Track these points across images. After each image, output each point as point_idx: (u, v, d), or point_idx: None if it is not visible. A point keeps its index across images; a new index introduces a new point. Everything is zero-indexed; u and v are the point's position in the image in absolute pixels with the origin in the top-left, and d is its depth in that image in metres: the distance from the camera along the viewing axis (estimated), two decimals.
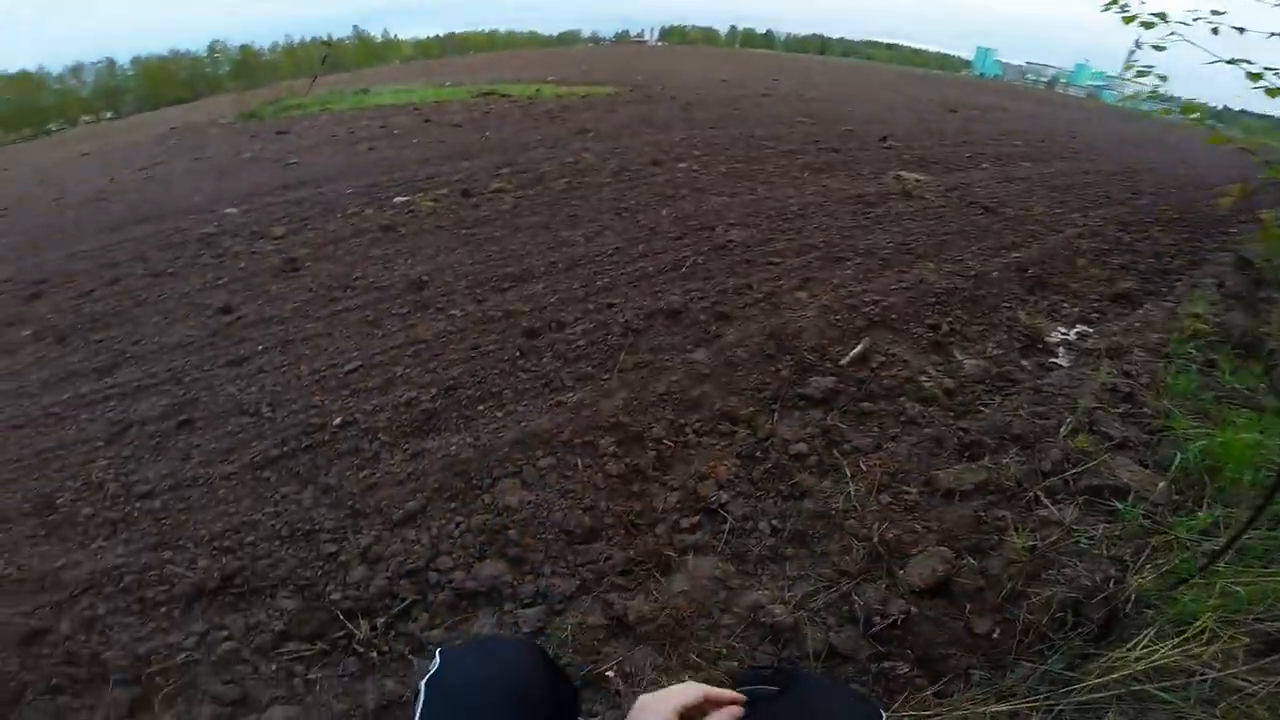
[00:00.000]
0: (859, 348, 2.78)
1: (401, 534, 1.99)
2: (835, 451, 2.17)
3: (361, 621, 1.74)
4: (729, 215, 4.36)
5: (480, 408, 2.53)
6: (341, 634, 1.73)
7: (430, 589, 1.82)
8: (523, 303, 3.24)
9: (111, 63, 62.78)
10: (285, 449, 2.43)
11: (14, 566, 2.10)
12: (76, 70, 60.87)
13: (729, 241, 3.88)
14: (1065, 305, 3.43)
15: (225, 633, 1.77)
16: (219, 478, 2.35)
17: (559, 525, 1.95)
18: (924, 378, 2.58)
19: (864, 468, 2.07)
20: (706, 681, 1.55)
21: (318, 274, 3.95)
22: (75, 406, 3.00)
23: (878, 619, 1.53)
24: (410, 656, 1.66)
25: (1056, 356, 2.91)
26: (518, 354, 2.84)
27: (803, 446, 2.19)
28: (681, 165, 5.70)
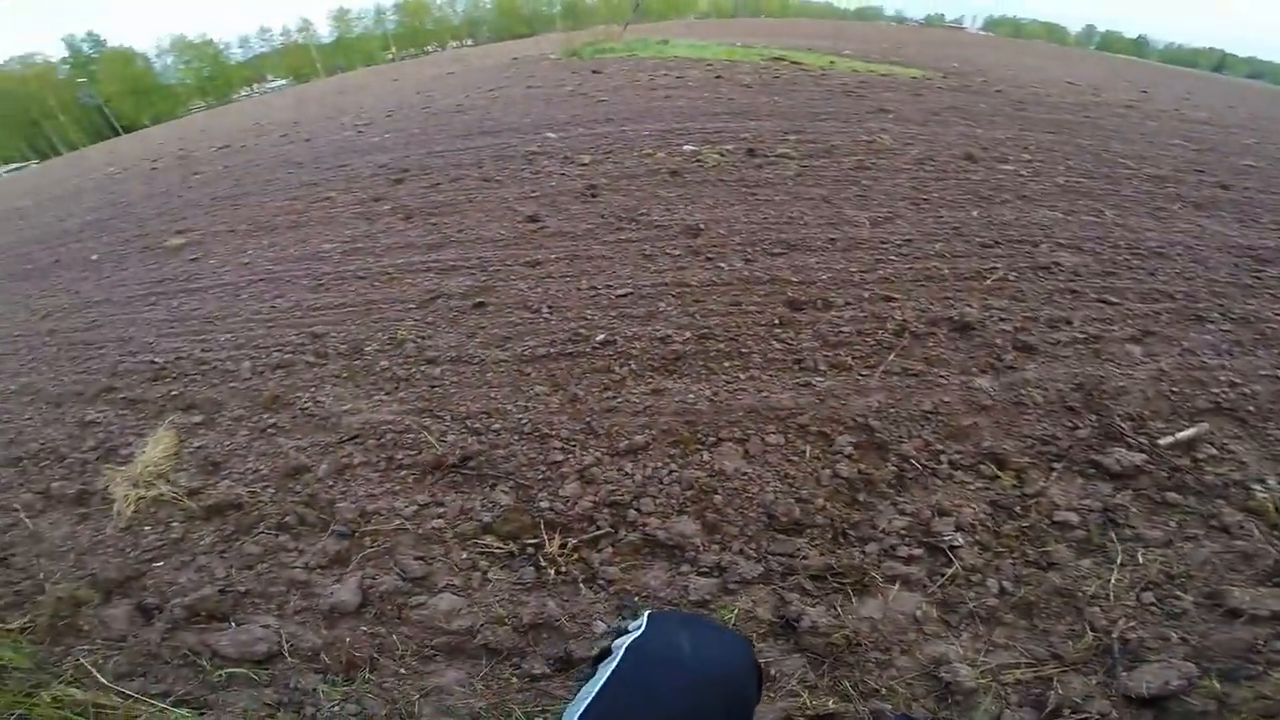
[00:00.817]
0: (1190, 431, 2.18)
1: (620, 464, 2.06)
2: (1112, 534, 1.81)
3: (555, 536, 1.83)
4: (1059, 234, 3.63)
5: (726, 364, 2.51)
6: (533, 542, 1.83)
7: (625, 525, 1.86)
8: (792, 272, 3.11)
9: None
10: (551, 350, 2.68)
11: (313, 402, 2.60)
12: (452, 0, 74.95)
13: (1054, 264, 3.24)
14: None
15: (441, 510, 1.97)
16: (491, 361, 2.68)
17: (766, 507, 1.87)
18: (1259, 487, 2.00)
19: (1140, 560, 1.76)
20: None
21: (611, 203, 4.26)
22: (404, 271, 3.69)
23: (1067, 711, 1.40)
24: (581, 584, 1.70)
25: None
26: (775, 322, 2.74)
27: (1073, 516, 1.87)
28: (1005, 166, 4.90)
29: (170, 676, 1.61)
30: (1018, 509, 1.87)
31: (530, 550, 1.82)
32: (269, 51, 67.50)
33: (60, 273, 5.62)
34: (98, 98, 55.75)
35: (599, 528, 1.85)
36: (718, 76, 9.08)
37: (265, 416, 2.61)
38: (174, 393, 2.95)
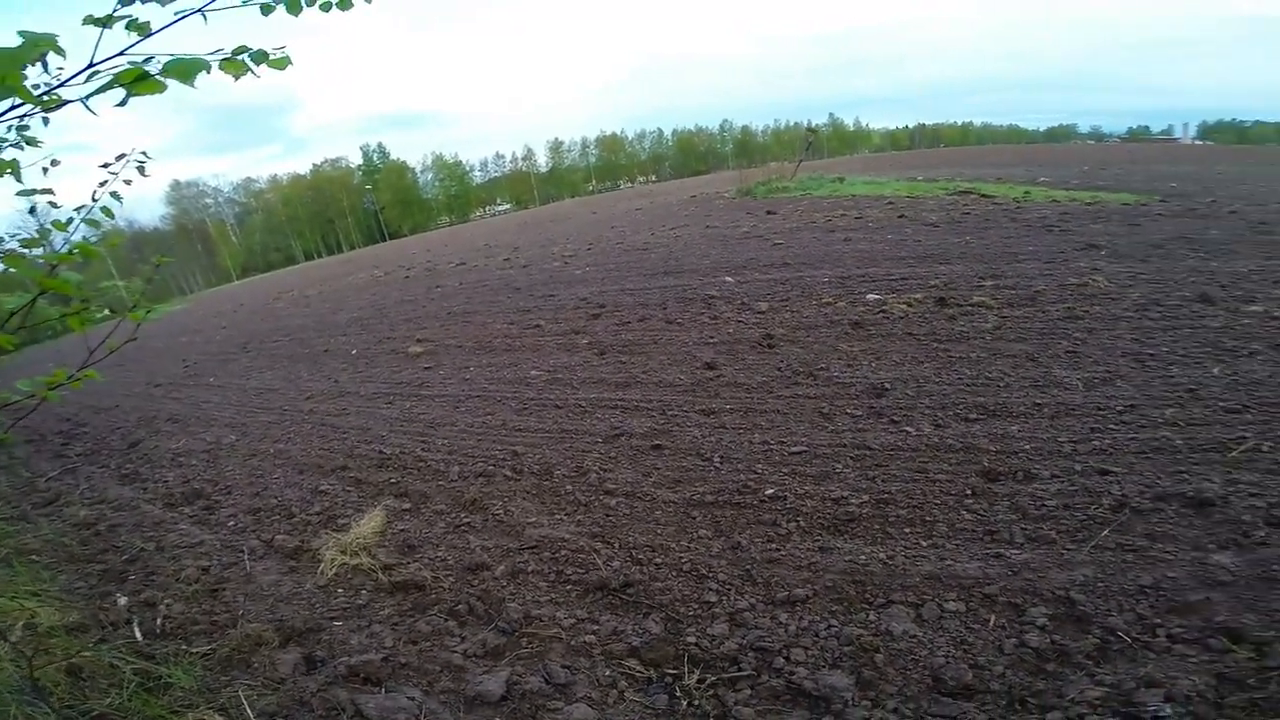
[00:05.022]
0: None
1: (774, 613, 2.06)
2: None
3: (695, 671, 1.88)
4: None
5: (906, 530, 2.41)
6: (673, 673, 1.89)
7: (769, 671, 1.85)
8: (989, 440, 2.91)
9: (660, 133, 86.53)
10: (718, 499, 2.78)
11: (504, 510, 2.95)
12: (640, 137, 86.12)
13: None
14: None
15: (595, 627, 2.12)
16: (661, 500, 2.86)
17: (934, 670, 1.76)
18: None
19: None
20: None
21: (787, 355, 4.39)
22: (595, 406, 4.11)
23: None
24: (711, 718, 1.73)
25: None
26: (967, 492, 2.57)
27: None
28: (1251, 308, 4.17)
29: None
30: (1252, 681, 1.64)
31: (669, 679, 1.89)
32: (500, 176, 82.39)
33: (328, 361, 7.12)
34: (376, 204, 71.65)
35: (741, 669, 1.88)
36: (900, 215, 9.05)
37: (462, 515, 3.02)
38: (393, 480, 3.54)
